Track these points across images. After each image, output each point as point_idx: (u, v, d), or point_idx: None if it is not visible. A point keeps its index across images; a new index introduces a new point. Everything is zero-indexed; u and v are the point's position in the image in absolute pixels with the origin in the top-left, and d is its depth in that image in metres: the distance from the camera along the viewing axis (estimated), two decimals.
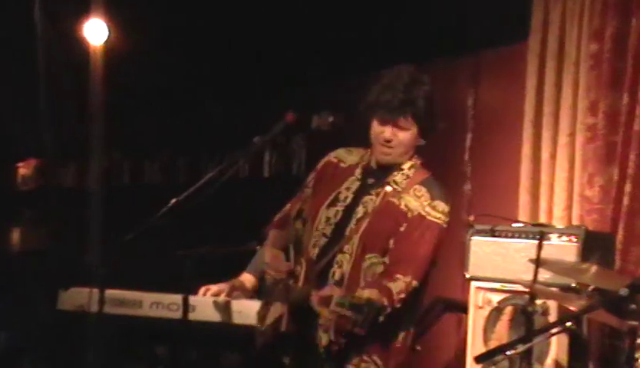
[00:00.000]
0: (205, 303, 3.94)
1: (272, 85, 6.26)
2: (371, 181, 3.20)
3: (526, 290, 3.84)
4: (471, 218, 4.69)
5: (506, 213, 4.75)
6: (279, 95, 5.67)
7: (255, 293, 4.50)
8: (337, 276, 3.11)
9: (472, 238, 4.52)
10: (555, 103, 4.90)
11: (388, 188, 3.16)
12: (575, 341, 4.02)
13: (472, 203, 5.44)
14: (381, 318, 3.01)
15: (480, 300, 4.45)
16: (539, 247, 3.72)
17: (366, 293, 2.97)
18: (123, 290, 4.12)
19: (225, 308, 3.90)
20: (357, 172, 3.25)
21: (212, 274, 4.62)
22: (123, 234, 3.22)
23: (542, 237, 3.78)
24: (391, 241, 3.09)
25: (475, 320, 4.46)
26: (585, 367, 4.11)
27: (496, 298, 4.39)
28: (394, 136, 3.19)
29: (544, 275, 3.86)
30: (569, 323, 3.26)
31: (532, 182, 4.96)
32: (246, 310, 3.91)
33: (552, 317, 4.09)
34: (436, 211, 3.14)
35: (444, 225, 3.16)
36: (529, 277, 3.72)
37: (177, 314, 3.77)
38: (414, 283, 3.06)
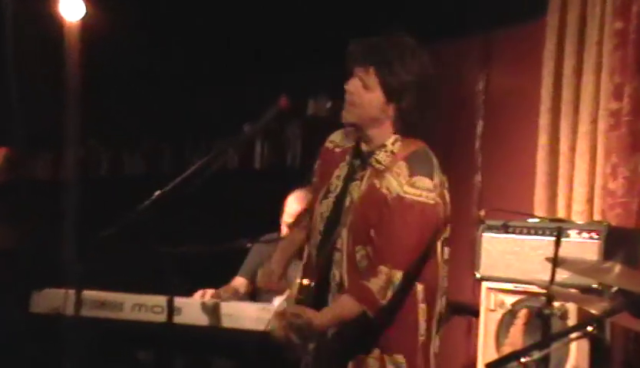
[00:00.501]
0: (192, 306, 3.95)
1: (263, 67, 6.25)
2: (357, 163, 3.16)
3: (543, 291, 3.84)
4: (482, 212, 4.69)
5: (521, 207, 4.76)
6: (272, 78, 5.66)
7: (250, 297, 4.52)
8: (337, 278, 3.10)
9: (483, 234, 4.53)
10: (575, 88, 4.91)
11: (370, 170, 3.10)
12: (597, 347, 4.03)
13: (483, 197, 5.45)
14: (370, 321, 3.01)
15: (492, 303, 4.46)
16: (557, 244, 3.73)
17: (309, 313, 2.98)
18: (103, 291, 4.13)
19: (213, 311, 3.91)
20: (348, 155, 3.21)
21: (198, 274, 4.63)
22: (101, 230, 3.21)
23: (560, 233, 3.78)
24: (373, 231, 3.05)
25: (486, 325, 4.47)
26: None
27: (510, 300, 4.40)
28: (353, 88, 3.08)
29: (562, 275, 3.86)
30: (589, 328, 3.26)
31: (549, 173, 4.97)
32: (237, 313, 3.92)
33: (572, 321, 4.10)
34: (415, 188, 3.01)
35: (430, 202, 3.01)
36: (546, 277, 3.72)
37: (161, 317, 3.78)
38: (397, 274, 2.97)
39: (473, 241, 4.62)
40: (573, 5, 4.93)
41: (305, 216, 3.34)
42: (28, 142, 7.52)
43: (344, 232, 3.08)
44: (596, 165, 4.77)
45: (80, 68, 5.93)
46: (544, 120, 5.01)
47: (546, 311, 3.70)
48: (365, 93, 3.08)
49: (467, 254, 4.79)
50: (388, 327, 3.05)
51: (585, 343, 4.03)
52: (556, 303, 3.94)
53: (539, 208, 4.92)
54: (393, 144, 3.09)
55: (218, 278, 4.70)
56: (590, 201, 4.76)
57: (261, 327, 3.95)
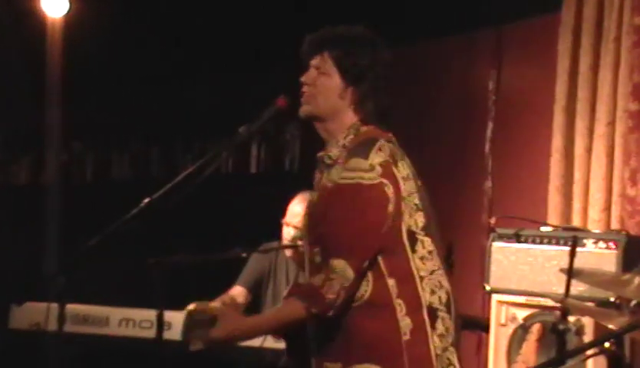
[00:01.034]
0: (183, 320, 3.94)
1: (259, 63, 6.26)
2: (320, 163, 3.21)
3: (557, 305, 3.85)
4: (492, 220, 4.70)
5: (534, 215, 4.76)
6: (268, 75, 5.67)
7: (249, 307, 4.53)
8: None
9: (493, 244, 4.53)
10: (591, 86, 4.92)
11: (326, 170, 3.13)
12: (615, 365, 4.03)
13: (493, 203, 5.46)
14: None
15: (503, 317, 4.46)
16: (572, 255, 3.73)
17: (228, 317, 3.05)
18: (87, 305, 4.14)
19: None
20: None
21: (190, 287, 4.63)
22: (86, 240, 3.22)
23: (575, 243, 3.79)
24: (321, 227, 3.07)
25: (497, 340, 4.47)
26: None
27: (522, 314, 4.41)
28: (309, 78, 3.12)
29: (578, 288, 3.87)
30: (607, 344, 3.27)
31: (563, 178, 4.98)
32: None
33: (588, 337, 4.11)
34: (350, 172, 3.00)
35: (366, 182, 2.98)
36: (561, 289, 3.72)
37: (150, 333, 3.79)
38: (336, 262, 2.95)
39: (483, 250, 4.63)
40: None
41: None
42: (7, 146, 7.54)
43: (305, 240, 3.14)
44: (614, 171, 4.77)
45: (64, 67, 5.94)
46: (558, 121, 5.01)
47: (561, 326, 3.70)
48: (322, 79, 3.12)
49: (477, 265, 4.80)
50: (359, 335, 3.02)
51: (602, 361, 4.03)
52: (572, 318, 3.94)
53: (553, 216, 4.93)
54: (345, 138, 3.12)
55: (211, 290, 4.71)
56: (607, 208, 4.77)
57: (256, 344, 3.96)
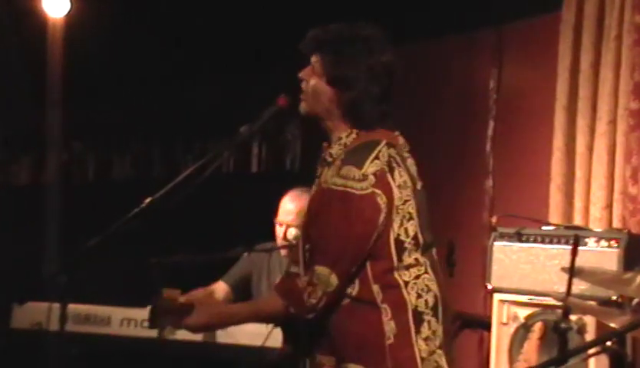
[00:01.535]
0: None
1: (260, 61, 6.26)
2: (320, 163, 3.22)
3: (559, 304, 3.84)
4: (494, 219, 4.70)
5: (535, 214, 4.76)
6: (269, 73, 5.67)
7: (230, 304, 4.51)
8: None
9: (495, 243, 4.53)
10: (592, 85, 4.91)
11: (326, 167, 3.13)
12: (617, 364, 4.03)
13: (495, 202, 5.46)
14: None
15: (505, 316, 4.46)
16: (574, 253, 3.72)
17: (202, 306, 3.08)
18: (88, 305, 4.13)
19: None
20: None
21: (191, 286, 4.63)
22: (86, 240, 3.22)
23: (577, 241, 3.78)
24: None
25: (499, 339, 4.47)
26: None
27: (524, 313, 4.40)
28: (305, 76, 3.14)
29: (580, 286, 3.87)
30: (609, 343, 3.26)
31: (565, 177, 4.98)
32: (232, 328, 3.92)
33: (590, 336, 4.10)
34: (341, 179, 2.99)
35: (357, 192, 2.98)
36: (562, 288, 3.72)
37: (152, 333, 3.78)
38: (321, 269, 2.97)
39: (485, 250, 4.63)
40: None
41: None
42: (8, 145, 7.54)
43: (300, 240, 3.14)
44: (615, 168, 4.77)
45: (64, 67, 5.94)
46: (559, 119, 5.01)
47: (563, 325, 3.69)
48: (314, 81, 3.13)
49: (478, 264, 4.79)
50: (348, 334, 3.04)
51: (604, 360, 4.03)
52: (573, 317, 3.94)
53: (555, 215, 4.93)
54: (347, 137, 3.11)
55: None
56: (609, 206, 4.77)
57: (258, 343, 3.96)
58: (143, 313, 3.99)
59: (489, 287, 4.53)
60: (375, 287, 3.03)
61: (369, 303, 3.03)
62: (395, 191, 3.04)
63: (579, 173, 4.92)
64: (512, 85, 5.57)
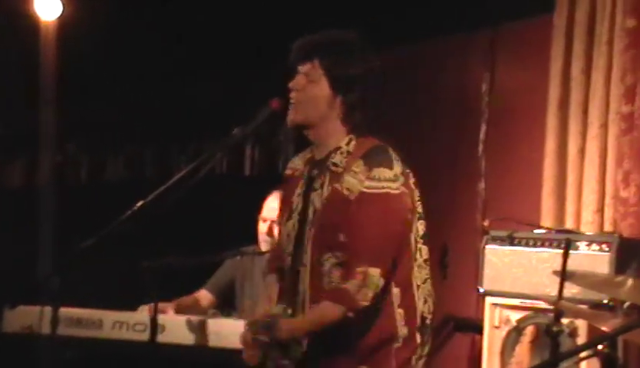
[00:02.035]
0: (177, 323, 3.94)
1: (254, 63, 6.24)
2: (315, 173, 3.19)
3: (551, 307, 3.84)
4: (486, 223, 4.70)
5: (527, 217, 4.76)
6: (263, 75, 5.65)
7: (214, 311, 4.51)
8: (301, 295, 3.13)
9: (487, 246, 4.53)
10: (584, 90, 4.91)
11: (329, 175, 3.12)
12: (609, 366, 4.02)
13: (487, 205, 5.45)
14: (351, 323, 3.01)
15: (497, 319, 4.46)
16: (565, 257, 3.72)
17: (276, 309, 3.09)
18: (80, 308, 4.11)
19: (200, 329, 3.90)
20: (305, 169, 3.24)
21: (183, 289, 4.62)
22: (79, 242, 3.20)
23: (568, 245, 3.78)
24: (342, 235, 3.07)
25: (491, 342, 4.47)
26: None
27: (516, 316, 4.40)
28: (298, 85, 3.13)
29: (571, 290, 3.86)
30: (600, 346, 3.26)
31: (557, 180, 4.97)
32: (224, 331, 3.91)
33: (582, 339, 4.10)
34: (376, 181, 3.04)
35: (393, 192, 3.04)
36: (554, 292, 3.71)
37: (144, 336, 3.77)
38: (373, 271, 2.99)
39: (477, 253, 4.62)
40: (582, 2, 4.93)
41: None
42: (1, 147, 7.52)
43: (309, 245, 3.11)
44: (607, 172, 4.77)
45: (58, 68, 5.92)
46: (551, 123, 5.01)
47: (554, 328, 3.69)
48: (311, 87, 3.13)
49: (470, 267, 4.79)
50: (364, 337, 3.06)
51: (596, 363, 4.02)
52: (565, 320, 3.93)
53: (547, 218, 4.92)
54: (348, 144, 3.13)
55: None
56: (600, 210, 4.76)
57: None
58: (134, 317, 3.97)
59: (482, 290, 4.53)
60: (395, 290, 3.08)
61: (389, 306, 3.07)
62: (415, 191, 3.12)
63: (571, 177, 4.92)
64: (504, 88, 5.56)
